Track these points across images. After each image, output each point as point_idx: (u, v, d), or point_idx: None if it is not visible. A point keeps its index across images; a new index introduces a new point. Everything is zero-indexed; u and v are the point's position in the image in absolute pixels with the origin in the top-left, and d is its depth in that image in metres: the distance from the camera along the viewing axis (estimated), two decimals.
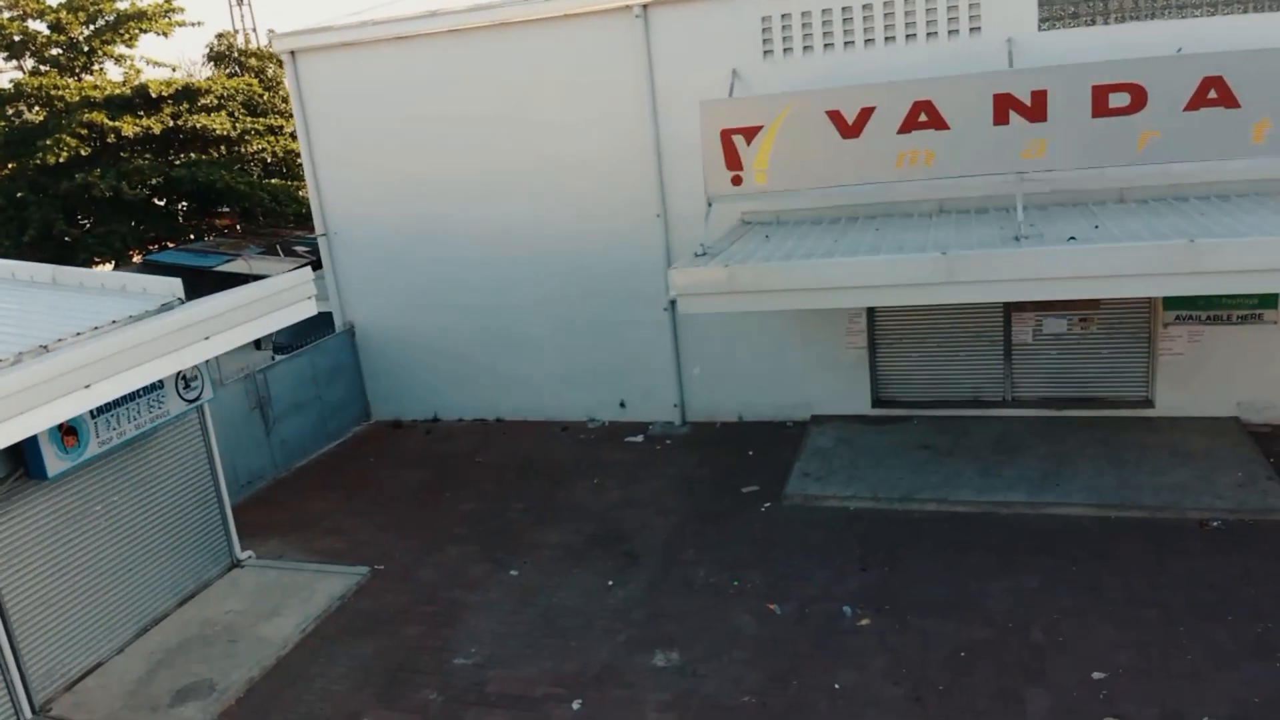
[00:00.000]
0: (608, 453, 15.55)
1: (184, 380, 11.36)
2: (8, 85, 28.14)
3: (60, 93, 27.79)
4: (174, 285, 11.78)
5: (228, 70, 33.20)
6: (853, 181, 12.40)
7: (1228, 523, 11.34)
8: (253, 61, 33.50)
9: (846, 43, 13.75)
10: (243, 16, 47.90)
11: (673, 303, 15.41)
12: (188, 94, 28.60)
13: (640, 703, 9.35)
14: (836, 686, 9.25)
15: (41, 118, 27.70)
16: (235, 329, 10.49)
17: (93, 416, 10.23)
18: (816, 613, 10.49)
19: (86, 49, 29.03)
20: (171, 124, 28.29)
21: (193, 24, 30.11)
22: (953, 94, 11.85)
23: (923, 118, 11.95)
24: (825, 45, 13.83)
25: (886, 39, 13.59)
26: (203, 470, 12.36)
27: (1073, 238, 10.96)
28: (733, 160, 12.72)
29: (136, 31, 29.27)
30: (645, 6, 14.44)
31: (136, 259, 28.69)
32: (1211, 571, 10.43)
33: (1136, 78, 11.23)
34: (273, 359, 17.33)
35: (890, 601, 10.53)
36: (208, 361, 11.63)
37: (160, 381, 11.00)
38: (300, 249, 27.27)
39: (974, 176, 11.98)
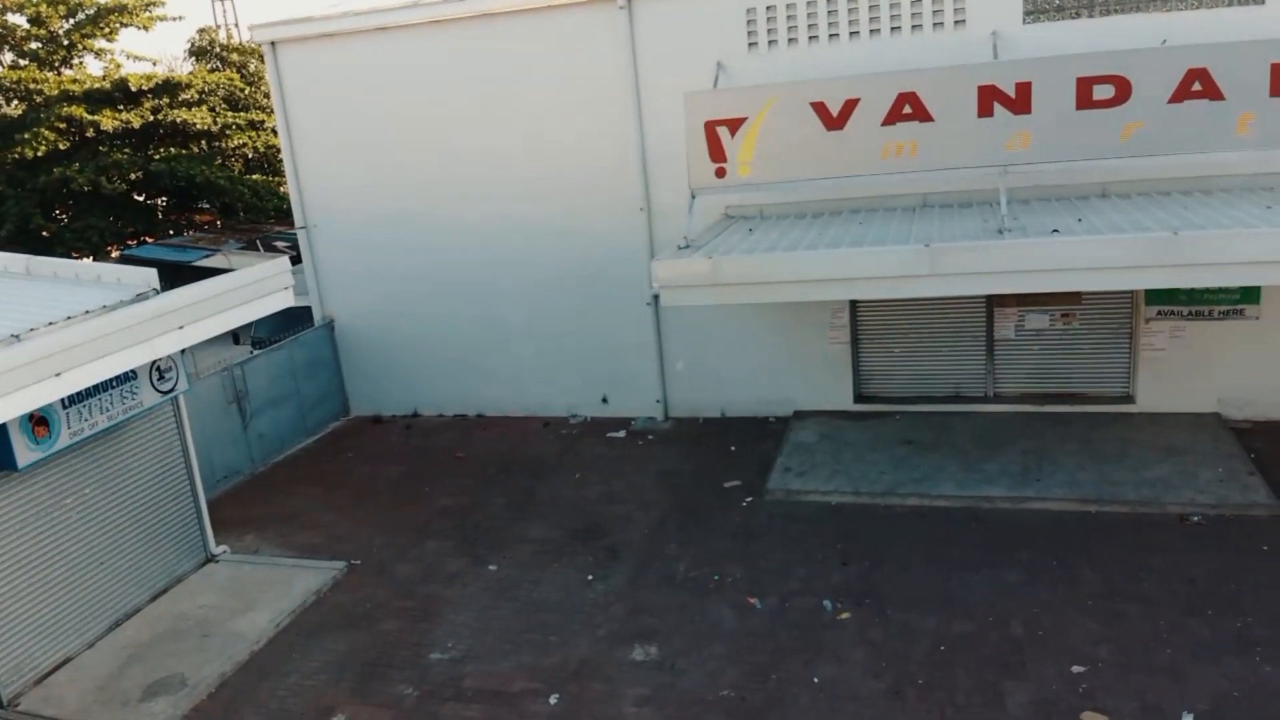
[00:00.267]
0: (589, 448, 15.44)
1: (158, 371, 11.19)
2: None
3: (39, 86, 27.53)
4: (149, 276, 11.58)
5: (209, 65, 32.98)
6: (837, 173, 12.33)
7: (1208, 518, 11.32)
8: (234, 56, 33.30)
9: (831, 35, 13.70)
10: (224, 11, 47.65)
11: (656, 297, 15.43)
12: (168, 88, 28.37)
13: (618, 697, 9.25)
14: (816, 680, 9.17)
15: (20, 111, 27.41)
16: (210, 319, 10.37)
17: (64, 407, 10.06)
18: (797, 607, 10.41)
19: (66, 43, 28.75)
20: (151, 118, 28.06)
21: (173, 18, 29.82)
22: (937, 86, 11.80)
23: (907, 110, 11.89)
24: (810, 37, 13.78)
25: (871, 31, 13.55)
26: (177, 463, 12.18)
27: (1056, 230, 10.92)
28: (717, 152, 12.65)
29: (116, 25, 28.99)
30: None
31: (115, 254, 28.41)
32: (1192, 566, 10.40)
33: (1121, 70, 11.21)
34: (251, 353, 17.15)
35: (871, 596, 10.46)
36: (183, 354, 11.51)
37: (134, 372, 10.83)
38: (280, 244, 27.06)
39: (958, 169, 11.92)
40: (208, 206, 30.92)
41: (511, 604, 11.11)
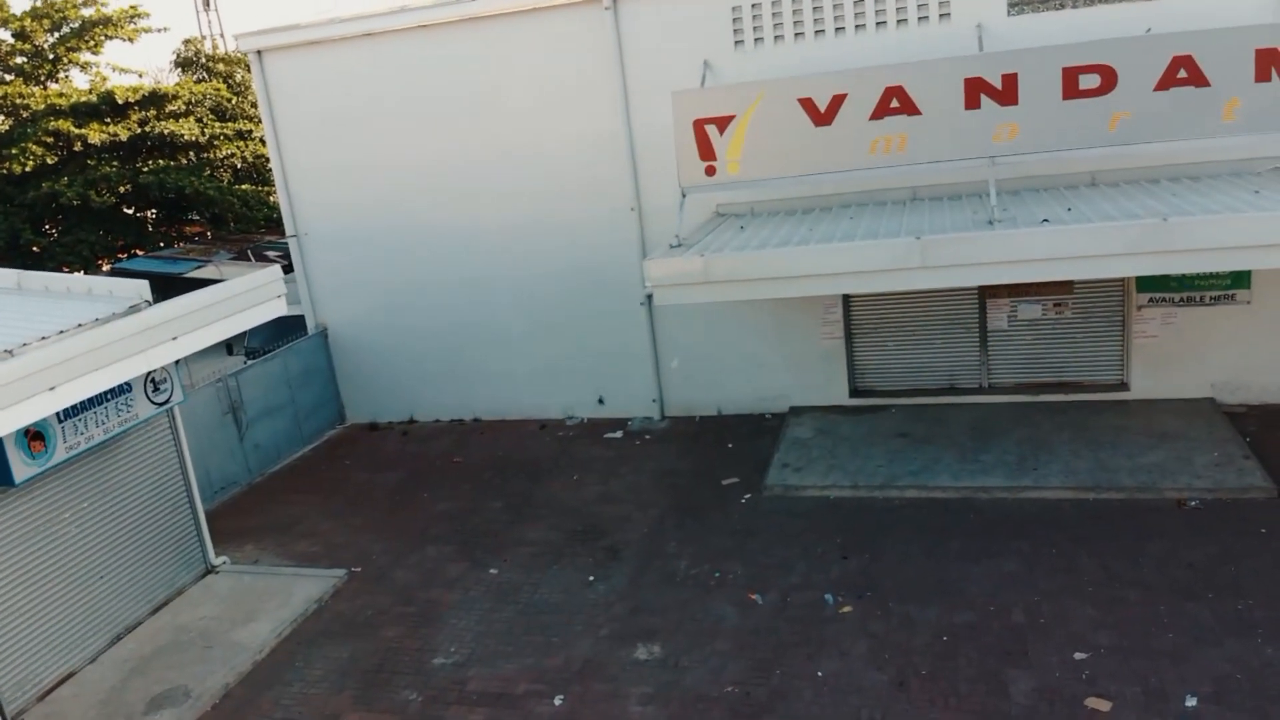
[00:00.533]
0: (586, 449, 15.45)
1: (153, 383, 11.17)
2: None
3: (26, 101, 27.47)
4: (141, 287, 11.56)
5: (195, 76, 32.91)
6: (826, 169, 12.36)
7: (1205, 502, 11.37)
8: (220, 67, 33.23)
9: (817, 31, 13.73)
10: (209, 22, 47.55)
11: (649, 296, 15.41)
12: (155, 100, 28.30)
13: (623, 696, 9.26)
14: (819, 674, 9.19)
15: (7, 127, 27.35)
16: (203, 329, 10.34)
17: (59, 421, 10.04)
18: (798, 602, 10.43)
19: (51, 57, 28.70)
20: (139, 130, 28.00)
21: (159, 30, 29.84)
22: (924, 79, 11.83)
23: (894, 104, 11.92)
24: (796, 34, 13.81)
25: (857, 27, 13.58)
26: (174, 475, 12.16)
27: (1046, 220, 10.96)
28: (706, 150, 12.66)
29: (102, 38, 28.96)
30: None
31: (105, 267, 28.37)
32: (1190, 550, 10.44)
33: (1106, 59, 11.25)
34: (245, 363, 17.12)
35: (872, 588, 10.49)
36: (178, 365, 11.49)
37: (128, 384, 10.81)
38: (271, 254, 27.01)
39: (946, 162, 11.95)
40: (198, 218, 30.86)
41: (513, 606, 11.11)
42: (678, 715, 8.89)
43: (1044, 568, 10.45)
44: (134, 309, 11.03)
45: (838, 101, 12.09)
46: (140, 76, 30.88)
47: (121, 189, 27.65)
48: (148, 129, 28.08)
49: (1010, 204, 12.22)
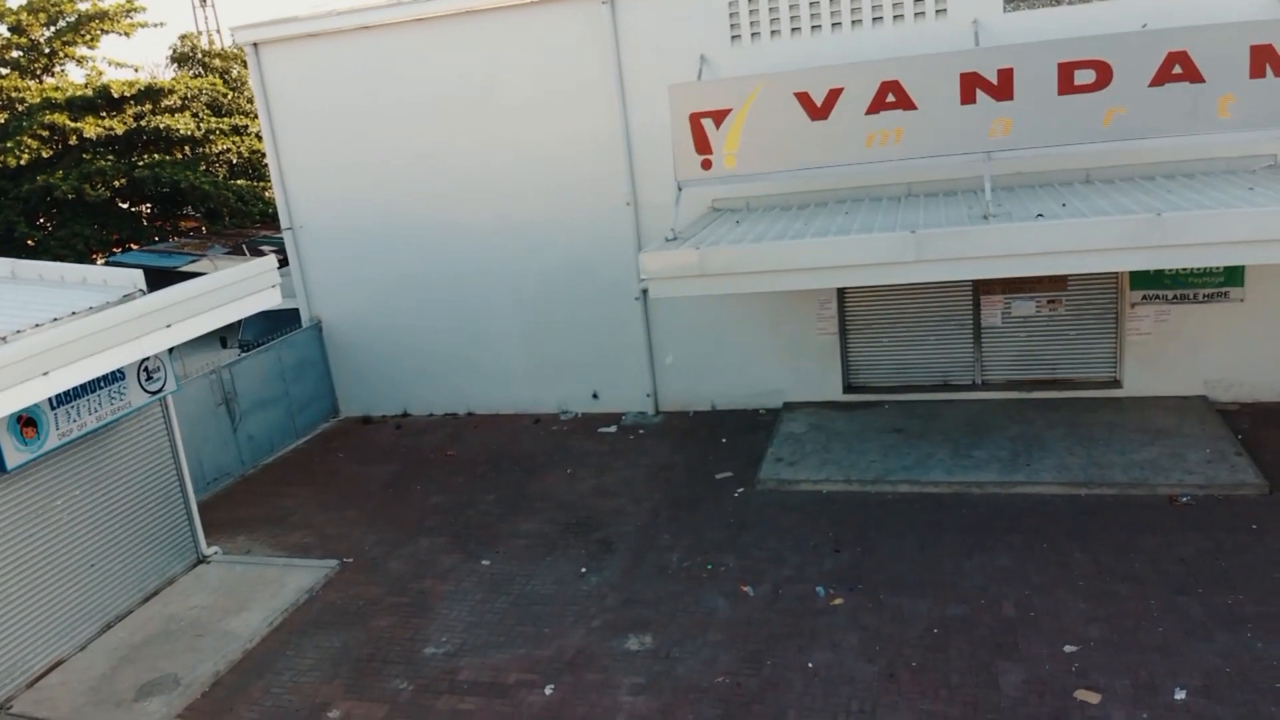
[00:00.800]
0: (580, 443, 15.44)
1: (146, 371, 11.15)
2: None
3: (21, 94, 27.41)
4: (135, 277, 11.56)
5: (191, 71, 32.88)
6: (822, 163, 12.35)
7: (1197, 498, 11.39)
8: (216, 62, 33.22)
9: (814, 27, 13.74)
10: (206, 18, 47.52)
11: (644, 291, 15.45)
12: (150, 94, 28.26)
13: (614, 686, 9.25)
14: (810, 665, 9.19)
15: (2, 120, 27.28)
16: (197, 317, 10.35)
17: (52, 408, 10.02)
18: (790, 594, 10.43)
19: (47, 51, 28.65)
20: (134, 125, 27.96)
21: (155, 25, 29.80)
22: (920, 74, 11.83)
23: (890, 98, 11.92)
24: (793, 29, 13.82)
25: (853, 22, 13.60)
26: (166, 464, 12.14)
27: (1040, 215, 10.97)
28: (702, 144, 12.66)
29: (98, 32, 28.92)
30: None
31: (100, 261, 28.30)
32: (1182, 546, 10.45)
33: (1101, 54, 11.25)
34: (239, 356, 17.09)
35: (863, 581, 10.49)
36: (172, 356, 11.48)
37: (122, 372, 10.81)
38: (266, 248, 26.96)
39: (942, 156, 11.95)
40: (193, 213, 30.82)
41: (505, 597, 11.10)
42: (669, 705, 8.88)
43: (1036, 562, 10.46)
44: (128, 298, 11.03)
45: (834, 96, 12.09)
46: (136, 71, 30.86)
47: (117, 183, 27.58)
48: (143, 123, 28.03)
49: (1005, 199, 12.23)
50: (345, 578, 12.01)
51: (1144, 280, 13.57)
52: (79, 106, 27.35)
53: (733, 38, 14.06)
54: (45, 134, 26.84)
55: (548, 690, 9.31)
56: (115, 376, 10.70)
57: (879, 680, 8.88)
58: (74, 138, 27.14)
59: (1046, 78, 11.49)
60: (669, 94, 12.79)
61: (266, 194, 29.47)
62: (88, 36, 28.65)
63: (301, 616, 11.24)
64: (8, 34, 28.06)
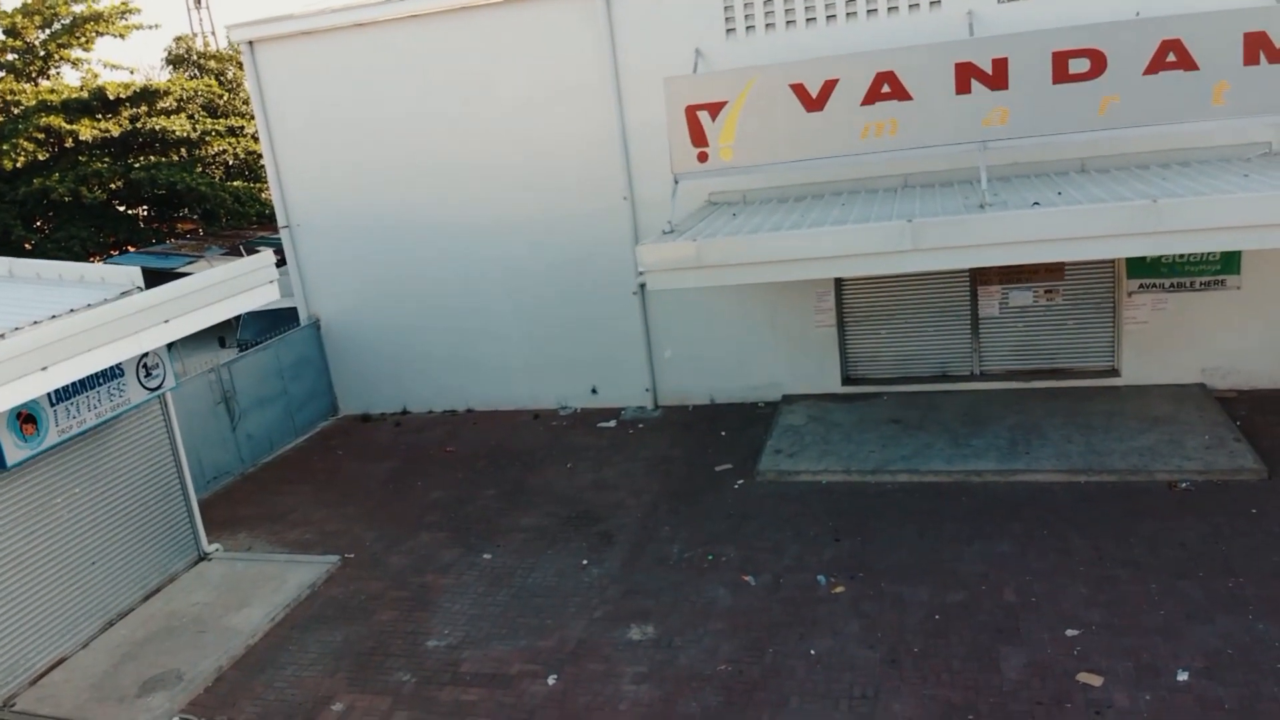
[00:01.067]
0: (580, 438, 15.45)
1: (145, 368, 11.16)
2: None
3: (17, 97, 27.39)
4: (133, 274, 11.57)
5: (187, 74, 32.86)
6: (818, 154, 12.37)
7: (1197, 484, 11.41)
8: (212, 64, 33.20)
9: (809, 19, 13.77)
10: (201, 20, 47.47)
11: (642, 286, 15.47)
12: (146, 96, 28.24)
13: (617, 675, 9.27)
14: (812, 652, 9.21)
15: None
16: (195, 313, 10.35)
17: (51, 404, 10.03)
18: (791, 583, 10.45)
19: (43, 53, 28.62)
20: (130, 127, 27.94)
21: (150, 27, 29.67)
22: (915, 64, 11.85)
23: (885, 89, 11.94)
24: (788, 22, 13.84)
25: (848, 14, 13.62)
26: (166, 462, 12.14)
27: (1036, 203, 11.00)
28: (698, 137, 12.67)
29: (93, 34, 28.87)
30: None
31: (97, 263, 28.25)
32: (1182, 530, 10.48)
33: (1096, 43, 11.28)
34: (238, 355, 17.09)
35: (864, 569, 10.51)
36: (171, 355, 11.49)
37: (120, 369, 10.82)
38: (263, 249, 26.96)
39: (937, 146, 11.97)
40: (189, 214, 30.79)
41: (506, 590, 11.12)
42: (671, 694, 8.90)
43: (1036, 548, 10.49)
44: (125, 295, 11.04)
45: (829, 87, 12.11)
46: (131, 73, 30.84)
47: (113, 185, 27.56)
48: (139, 125, 28.01)
49: (1001, 189, 12.25)
50: (346, 573, 12.02)
51: (1141, 269, 13.60)
52: (75, 109, 27.32)
53: (727, 31, 14.08)
54: (41, 136, 26.82)
55: (550, 680, 9.32)
56: (114, 373, 10.71)
57: (881, 666, 8.90)
58: (70, 140, 27.11)
59: (1041, 67, 11.52)
60: (664, 87, 12.81)
61: (263, 195, 29.45)
62: (83, 39, 28.62)
63: (303, 612, 11.25)
64: (3, 37, 28.03)
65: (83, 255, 27.36)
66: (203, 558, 12.58)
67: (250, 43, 16.49)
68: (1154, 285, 13.66)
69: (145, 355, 11.10)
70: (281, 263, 19.15)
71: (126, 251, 28.81)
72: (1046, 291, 14.25)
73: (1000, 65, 11.59)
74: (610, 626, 10.09)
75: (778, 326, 15.26)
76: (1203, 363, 13.76)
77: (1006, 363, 14.70)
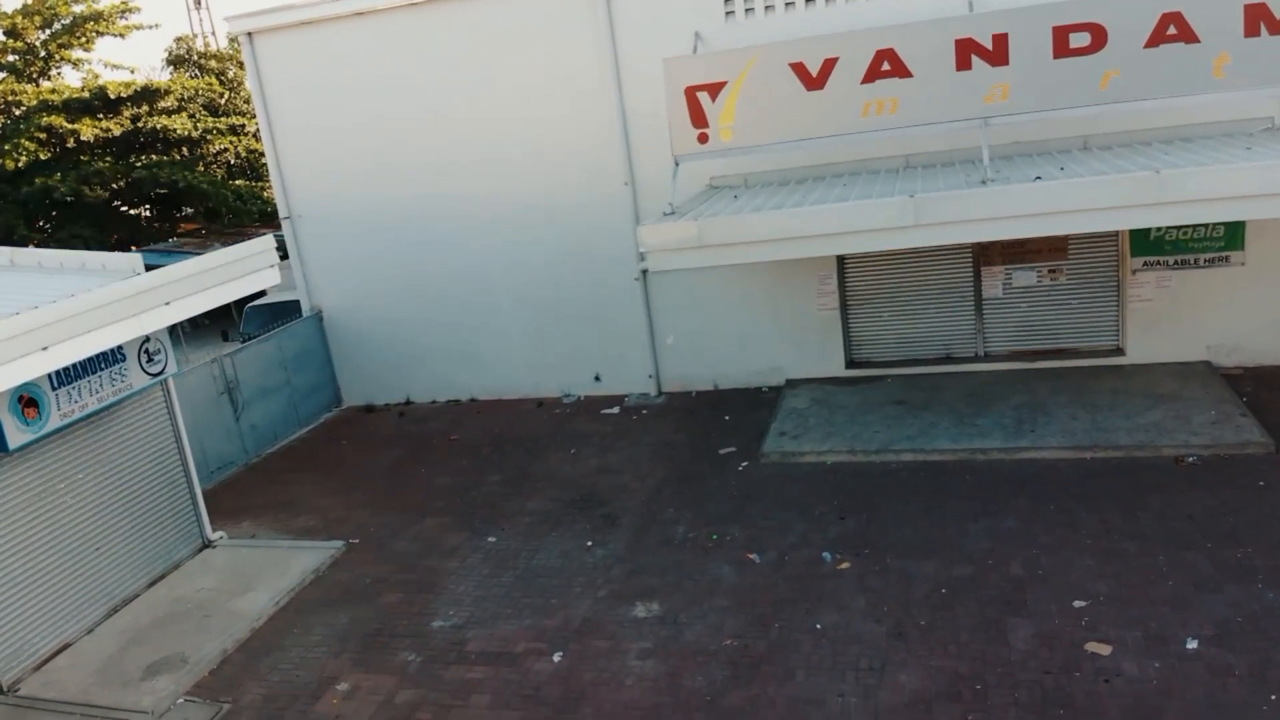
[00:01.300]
0: (583, 425, 15.42)
1: (147, 353, 11.15)
2: None
3: (18, 98, 27.44)
4: (134, 261, 11.52)
5: (188, 74, 32.89)
6: (819, 134, 12.33)
7: (1203, 458, 11.35)
8: (212, 64, 33.23)
9: (808, 0, 13.72)
10: (201, 20, 47.51)
11: (644, 272, 15.46)
12: (147, 95, 28.27)
13: (622, 652, 9.23)
14: (818, 626, 9.17)
15: (0, 123, 27.32)
16: (196, 295, 10.33)
17: (53, 388, 10.02)
18: (796, 560, 10.41)
19: (43, 54, 28.67)
20: (131, 126, 27.97)
21: (150, 26, 29.72)
22: (914, 41, 11.81)
23: (886, 66, 11.91)
24: (786, 3, 13.80)
25: None
26: (169, 448, 12.12)
27: (1038, 177, 10.95)
28: (698, 118, 12.64)
29: (93, 34, 28.93)
30: None
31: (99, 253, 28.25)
32: (1189, 504, 10.42)
33: (1096, 17, 11.23)
34: (241, 345, 17.08)
35: (870, 546, 10.46)
36: (177, 349, 11.48)
37: (123, 354, 10.81)
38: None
39: (938, 124, 11.93)
40: (191, 213, 30.82)
41: (511, 572, 11.09)
42: (677, 668, 8.86)
43: (1042, 523, 10.43)
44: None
45: (829, 65, 12.07)
46: (132, 73, 30.87)
47: (115, 185, 27.59)
48: (140, 124, 28.05)
49: (1003, 168, 12.20)
50: (351, 558, 11.99)
51: (1144, 247, 13.55)
52: (76, 108, 27.37)
53: (727, 13, 14.04)
54: (43, 136, 26.87)
55: (556, 657, 9.29)
56: (116, 357, 10.70)
57: (887, 639, 8.86)
58: (71, 140, 27.16)
59: (1041, 42, 11.47)
60: (664, 67, 12.77)
61: (265, 193, 29.48)
62: (83, 39, 28.68)
63: (308, 596, 11.22)
64: (3, 38, 28.09)
65: None
66: (207, 545, 12.57)
67: (249, 34, 16.49)
68: (1158, 263, 13.60)
69: (147, 340, 11.10)
70: (283, 255, 19.19)
71: (129, 251, 28.82)
72: (1050, 271, 14.20)
73: (1000, 41, 11.55)
74: (615, 605, 10.06)
75: (780, 310, 15.22)
76: (1208, 340, 13.70)
77: (1011, 344, 14.64)
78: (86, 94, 27.70)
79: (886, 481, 11.91)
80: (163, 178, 27.20)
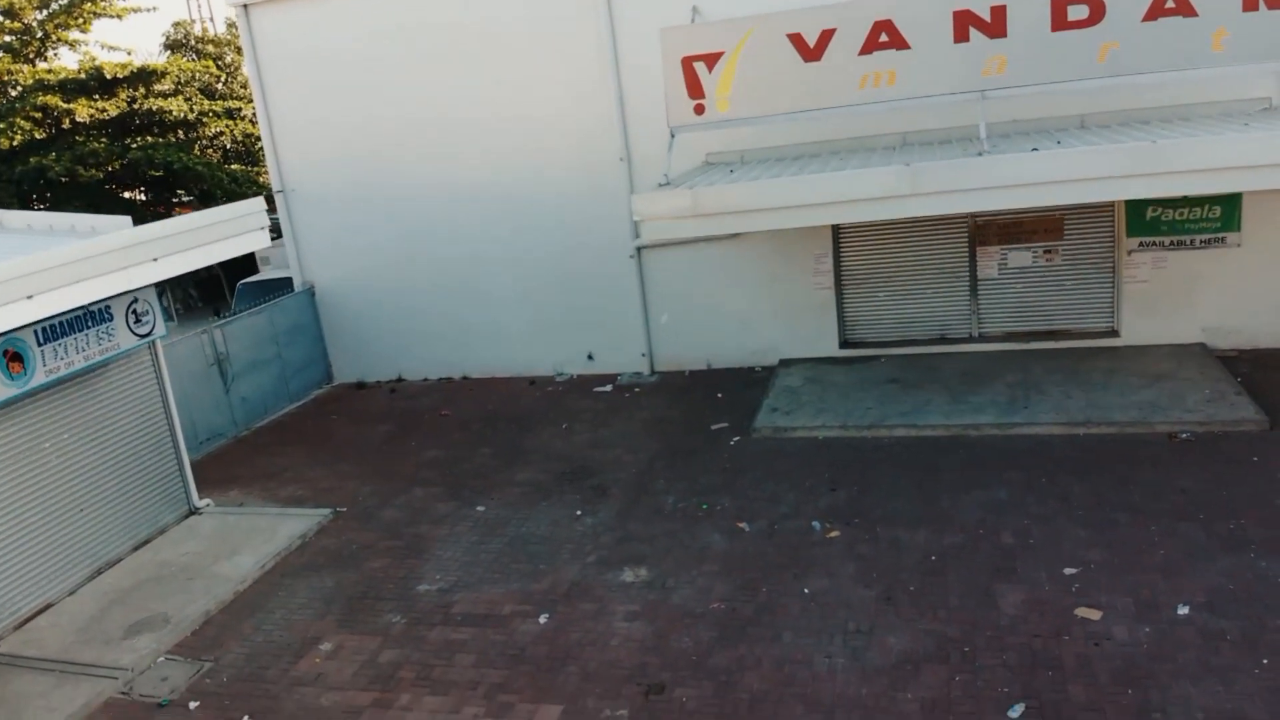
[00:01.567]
0: (576, 402, 15.33)
1: (134, 314, 11.05)
2: None
3: (14, 77, 27.28)
4: (123, 223, 11.43)
5: (185, 58, 32.73)
6: (816, 105, 12.24)
7: (1197, 435, 11.29)
8: (210, 49, 33.08)
9: None
10: (199, 4, 47.41)
11: (639, 250, 15.39)
12: (143, 77, 28.11)
13: (608, 614, 9.15)
14: (806, 591, 9.09)
15: None
16: (184, 253, 10.24)
17: (39, 343, 9.92)
18: (786, 529, 10.33)
19: (40, 34, 28.51)
20: (127, 108, 27.82)
21: (147, 9, 29.53)
22: (913, 12, 11.73)
23: (883, 38, 11.83)
24: None
25: None
26: (157, 413, 12.03)
27: (1035, 149, 10.88)
28: (695, 88, 12.56)
29: (90, 15, 28.74)
30: None
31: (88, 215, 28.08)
32: (1182, 478, 10.35)
33: None
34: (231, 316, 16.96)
35: (860, 516, 10.39)
36: (164, 320, 11.42)
37: (110, 313, 10.72)
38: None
39: (936, 96, 11.85)
40: (186, 197, 30.66)
41: (500, 539, 11.00)
42: (664, 629, 8.78)
43: (1035, 495, 10.37)
44: None
45: (826, 36, 12.00)
46: (129, 54, 30.71)
47: (111, 167, 27.44)
48: (136, 106, 27.90)
49: (1000, 144, 12.10)
50: (338, 525, 11.90)
51: (1140, 227, 13.50)
52: (72, 89, 27.20)
53: None
54: (38, 116, 26.70)
55: (542, 619, 9.20)
56: (103, 316, 10.61)
57: (876, 604, 8.78)
58: (67, 120, 27.00)
59: (1039, 14, 11.40)
60: (660, 38, 12.68)
61: (261, 178, 29.32)
62: (80, 20, 28.49)
63: (294, 561, 11.13)
64: (0, 18, 27.92)
65: None
66: (193, 512, 12.47)
67: (245, 6, 16.40)
68: (1154, 244, 13.55)
69: (135, 301, 11.01)
70: (276, 235, 19.08)
71: None
72: (1046, 252, 14.13)
73: (999, 13, 11.48)
74: (603, 570, 9.98)
75: (775, 290, 15.14)
76: (1203, 322, 13.63)
77: (1006, 325, 14.57)
78: (83, 75, 27.55)
79: (878, 456, 11.83)
80: (158, 159, 27.04)
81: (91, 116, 26.81)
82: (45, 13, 28.23)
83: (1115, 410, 11.91)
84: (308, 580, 10.61)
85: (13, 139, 25.79)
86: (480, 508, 11.87)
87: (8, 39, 28.23)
